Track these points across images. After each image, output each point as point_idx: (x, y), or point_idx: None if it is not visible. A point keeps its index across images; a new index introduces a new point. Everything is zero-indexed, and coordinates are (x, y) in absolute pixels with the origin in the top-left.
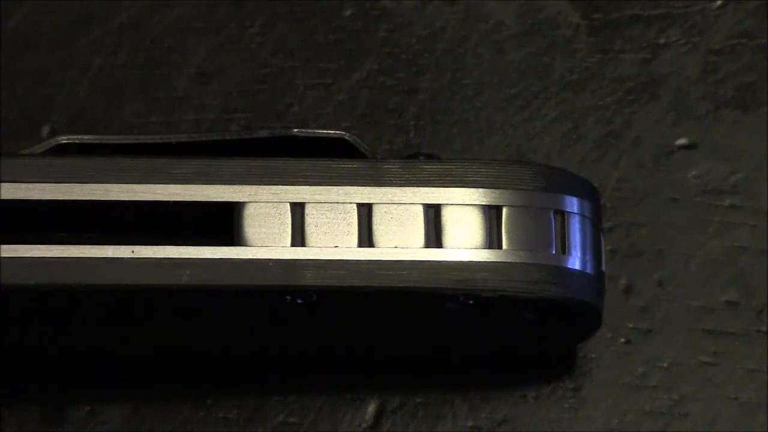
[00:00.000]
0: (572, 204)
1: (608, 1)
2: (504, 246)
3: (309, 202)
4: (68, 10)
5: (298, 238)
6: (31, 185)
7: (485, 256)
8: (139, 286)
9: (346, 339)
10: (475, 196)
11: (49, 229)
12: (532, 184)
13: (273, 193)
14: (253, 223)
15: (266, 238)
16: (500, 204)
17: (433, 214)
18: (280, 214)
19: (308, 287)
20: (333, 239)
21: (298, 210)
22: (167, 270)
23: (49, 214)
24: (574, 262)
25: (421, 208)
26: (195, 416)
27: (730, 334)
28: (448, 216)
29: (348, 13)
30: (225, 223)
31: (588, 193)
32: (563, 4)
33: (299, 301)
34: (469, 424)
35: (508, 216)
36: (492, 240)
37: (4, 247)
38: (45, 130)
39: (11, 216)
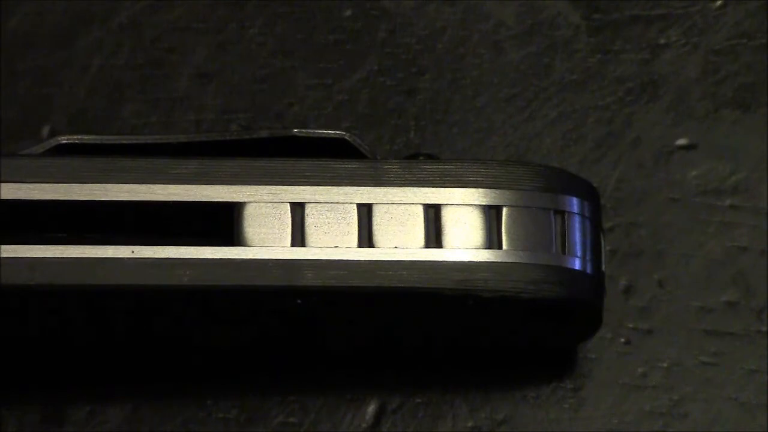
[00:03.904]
0: (572, 204)
1: (608, 1)
2: (504, 246)
3: (309, 202)
4: (68, 10)
5: (298, 238)
6: (31, 185)
7: (485, 256)
8: (139, 286)
9: (346, 339)
10: (475, 196)
11: (49, 229)
12: (532, 184)
13: (273, 193)
14: (253, 223)
15: (266, 238)
16: (500, 204)
17: (433, 215)
18: (280, 214)
19: (308, 287)
20: (333, 239)
21: (298, 210)
22: (167, 270)
23: (49, 214)
24: (574, 262)
25: (421, 209)
26: (195, 416)
27: (730, 334)
28: (448, 216)
29: (348, 13)
30: (225, 223)
31: (588, 193)
32: (563, 4)
33: (299, 301)
34: (469, 424)
35: (508, 216)
36: (492, 240)
37: (4, 247)
38: (45, 130)
39: (11, 216)
